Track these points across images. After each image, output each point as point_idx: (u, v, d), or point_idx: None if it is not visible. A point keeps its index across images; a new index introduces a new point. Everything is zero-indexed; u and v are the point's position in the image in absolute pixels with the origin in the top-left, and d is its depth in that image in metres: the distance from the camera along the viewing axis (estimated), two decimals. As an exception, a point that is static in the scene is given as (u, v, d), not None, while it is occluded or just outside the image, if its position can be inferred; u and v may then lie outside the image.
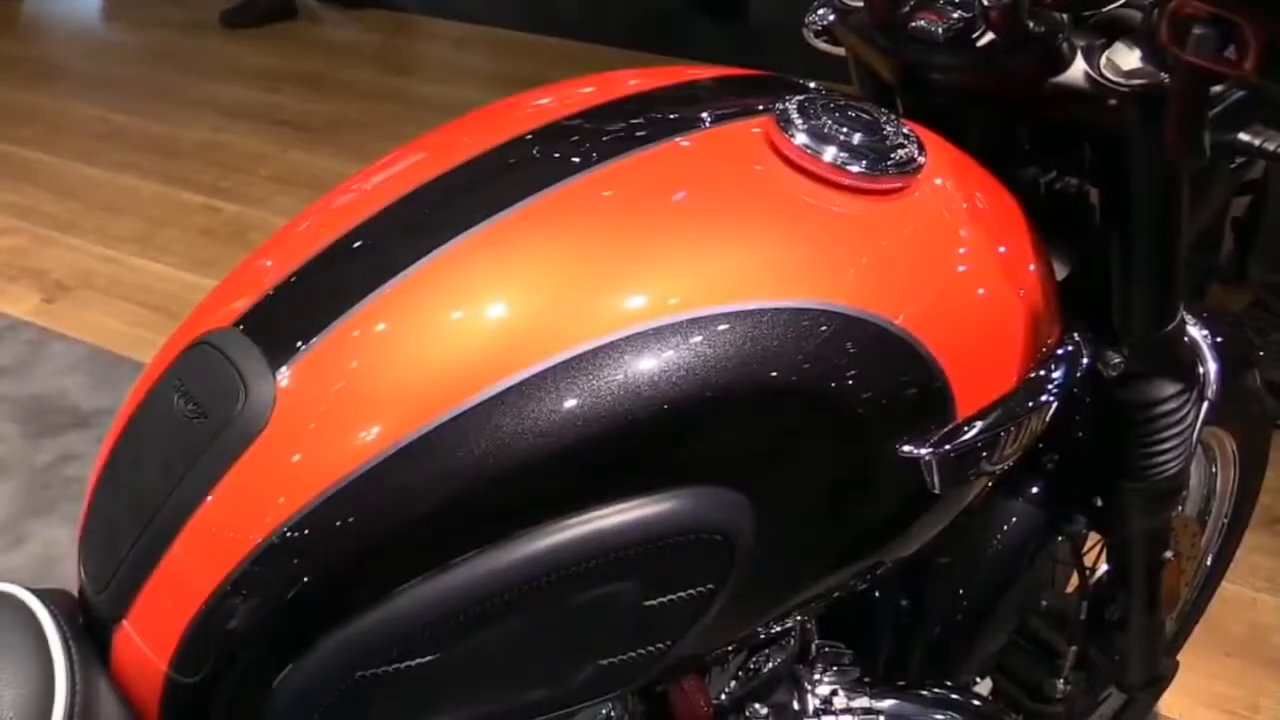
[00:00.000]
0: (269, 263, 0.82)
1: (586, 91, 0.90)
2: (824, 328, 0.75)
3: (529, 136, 0.83)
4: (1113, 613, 1.21)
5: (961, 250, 0.84)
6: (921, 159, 0.82)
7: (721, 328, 0.73)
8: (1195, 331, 1.08)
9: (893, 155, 0.81)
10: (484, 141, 0.84)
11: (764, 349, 0.74)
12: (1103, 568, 1.23)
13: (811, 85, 0.91)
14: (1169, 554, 1.18)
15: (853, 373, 0.76)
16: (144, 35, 4.72)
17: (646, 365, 0.71)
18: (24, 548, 2.13)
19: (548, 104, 0.89)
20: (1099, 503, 1.11)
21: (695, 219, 0.78)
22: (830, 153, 0.80)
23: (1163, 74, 0.81)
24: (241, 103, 4.03)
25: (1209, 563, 1.55)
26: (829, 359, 0.75)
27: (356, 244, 0.79)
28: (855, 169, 0.79)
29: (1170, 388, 1.02)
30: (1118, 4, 0.82)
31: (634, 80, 0.91)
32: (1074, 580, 1.28)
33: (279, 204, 3.35)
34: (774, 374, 0.74)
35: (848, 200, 0.80)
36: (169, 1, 4.94)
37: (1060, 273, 0.95)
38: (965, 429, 0.81)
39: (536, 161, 0.81)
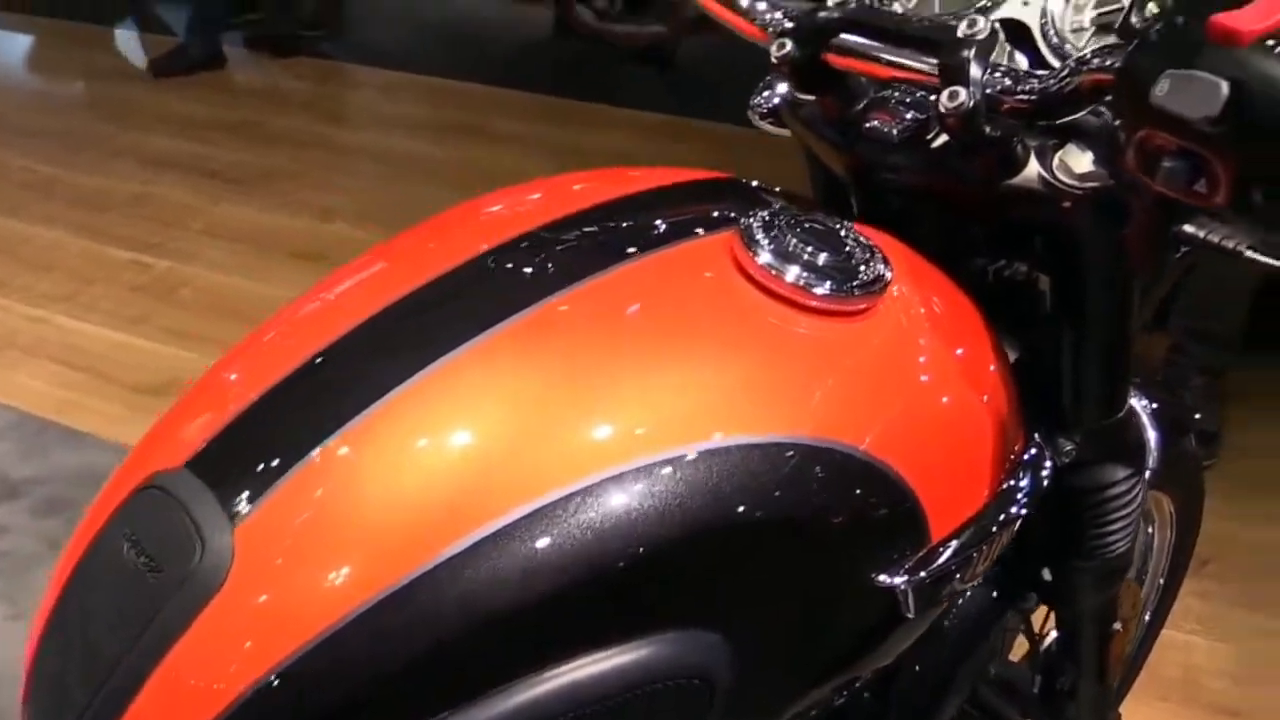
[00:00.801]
0: (221, 392, 0.79)
1: (541, 200, 0.88)
2: (793, 458, 0.75)
3: (487, 258, 0.81)
4: (1064, 683, 1.23)
5: (925, 362, 0.84)
6: (888, 275, 0.81)
7: (690, 468, 0.72)
8: (1134, 401, 1.09)
9: (858, 275, 0.80)
10: (440, 262, 0.82)
11: (735, 487, 0.73)
12: (1051, 634, 1.25)
13: (771, 192, 0.92)
14: (1117, 625, 1.20)
15: (824, 503, 0.76)
16: (71, 84, 4.66)
17: (617, 510, 0.70)
18: (-48, 624, 2.06)
19: (503, 213, 0.88)
20: (1047, 576, 1.12)
21: (661, 352, 0.77)
22: (793, 273, 0.79)
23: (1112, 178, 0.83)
24: (171, 153, 3.96)
25: (1147, 618, 1.58)
26: (799, 491, 0.75)
27: (310, 379, 0.76)
28: (820, 290, 0.79)
29: (1120, 472, 1.03)
30: (1074, 116, 0.82)
31: (582, 185, 0.90)
32: (1022, 642, 1.30)
33: (210, 258, 3.30)
34: (744, 511, 0.73)
35: (812, 322, 0.79)
36: (97, 49, 4.87)
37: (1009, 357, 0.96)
38: (939, 551, 0.81)
39: (495, 288, 0.79)
